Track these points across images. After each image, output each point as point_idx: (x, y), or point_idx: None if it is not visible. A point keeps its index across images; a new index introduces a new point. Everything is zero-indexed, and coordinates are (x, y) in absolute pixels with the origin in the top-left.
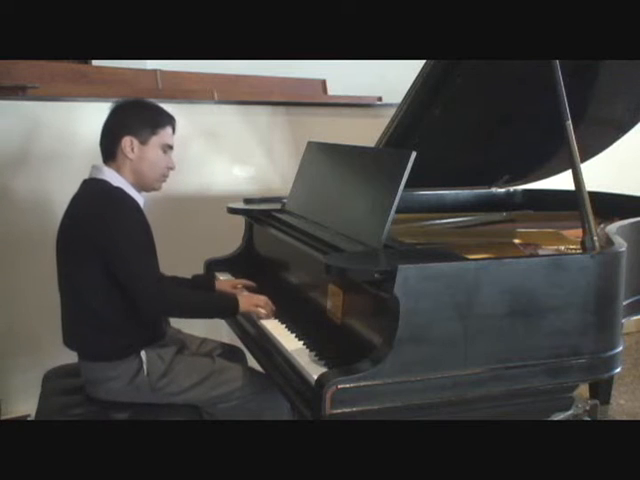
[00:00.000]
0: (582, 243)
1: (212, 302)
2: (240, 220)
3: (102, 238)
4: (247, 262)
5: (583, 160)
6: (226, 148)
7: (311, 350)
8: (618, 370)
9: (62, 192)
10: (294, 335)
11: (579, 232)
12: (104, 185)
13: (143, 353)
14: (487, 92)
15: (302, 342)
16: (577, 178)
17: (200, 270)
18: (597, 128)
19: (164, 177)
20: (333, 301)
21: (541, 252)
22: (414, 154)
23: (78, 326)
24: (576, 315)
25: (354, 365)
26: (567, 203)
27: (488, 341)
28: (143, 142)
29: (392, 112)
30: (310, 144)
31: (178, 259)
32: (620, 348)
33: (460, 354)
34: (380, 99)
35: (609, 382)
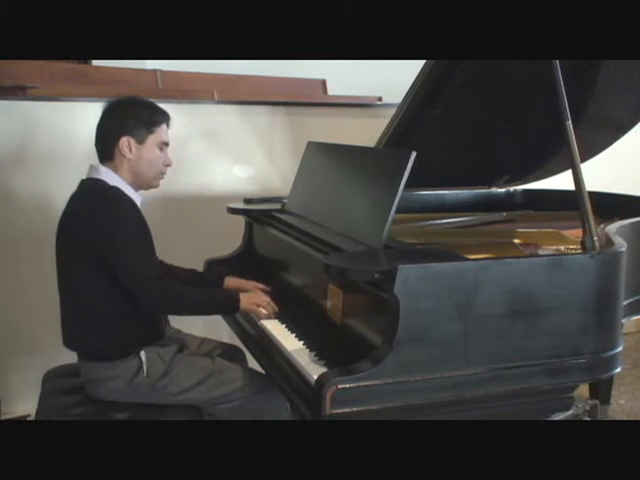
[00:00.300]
0: (582, 243)
1: (213, 298)
2: (240, 220)
3: (100, 237)
4: (247, 262)
5: (583, 160)
6: (226, 148)
7: (311, 350)
8: (618, 370)
9: (62, 192)
10: (294, 335)
11: (579, 232)
12: (101, 184)
13: (143, 353)
14: (487, 92)
15: (302, 342)
16: (577, 178)
17: (200, 270)
18: (597, 128)
19: (162, 174)
20: (333, 301)
21: (541, 252)
22: (414, 154)
23: (78, 326)
24: (576, 315)
25: (354, 365)
26: (567, 203)
27: (488, 341)
28: (140, 142)
29: (392, 112)
30: (310, 144)
31: (178, 259)
32: (620, 348)
33: (460, 354)
34: (380, 99)
35: (609, 382)
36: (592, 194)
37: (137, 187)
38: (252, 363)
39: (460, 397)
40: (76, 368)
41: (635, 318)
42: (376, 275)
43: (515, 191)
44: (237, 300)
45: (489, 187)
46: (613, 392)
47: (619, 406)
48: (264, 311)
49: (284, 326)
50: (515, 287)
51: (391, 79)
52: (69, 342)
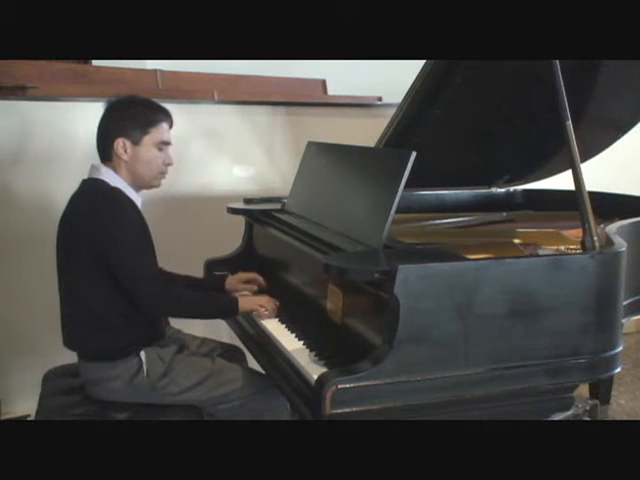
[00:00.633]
0: (582, 243)
1: (212, 302)
2: (240, 220)
3: (100, 238)
4: (247, 262)
5: (583, 160)
6: (226, 148)
7: (311, 350)
8: (618, 370)
9: (61, 192)
10: (294, 335)
11: (579, 232)
12: (102, 185)
13: (143, 353)
14: (487, 92)
15: (302, 342)
16: (577, 178)
17: (200, 270)
18: (597, 128)
19: (162, 174)
20: (333, 301)
21: (541, 252)
22: (414, 154)
23: (78, 326)
24: (576, 315)
25: (354, 365)
26: (567, 203)
27: (488, 341)
28: (135, 142)
29: (392, 112)
30: (310, 144)
31: (178, 259)
32: (620, 348)
33: (460, 354)
34: (380, 99)
35: (609, 382)
36: (592, 194)
37: (138, 187)
38: (252, 363)
39: (460, 397)
40: (76, 368)
41: (635, 318)
42: (376, 275)
43: (515, 191)
44: (236, 302)
45: (489, 187)
46: (613, 392)
47: (619, 406)
48: (263, 310)
49: (284, 326)
50: (515, 287)
51: (391, 79)
52: (69, 342)
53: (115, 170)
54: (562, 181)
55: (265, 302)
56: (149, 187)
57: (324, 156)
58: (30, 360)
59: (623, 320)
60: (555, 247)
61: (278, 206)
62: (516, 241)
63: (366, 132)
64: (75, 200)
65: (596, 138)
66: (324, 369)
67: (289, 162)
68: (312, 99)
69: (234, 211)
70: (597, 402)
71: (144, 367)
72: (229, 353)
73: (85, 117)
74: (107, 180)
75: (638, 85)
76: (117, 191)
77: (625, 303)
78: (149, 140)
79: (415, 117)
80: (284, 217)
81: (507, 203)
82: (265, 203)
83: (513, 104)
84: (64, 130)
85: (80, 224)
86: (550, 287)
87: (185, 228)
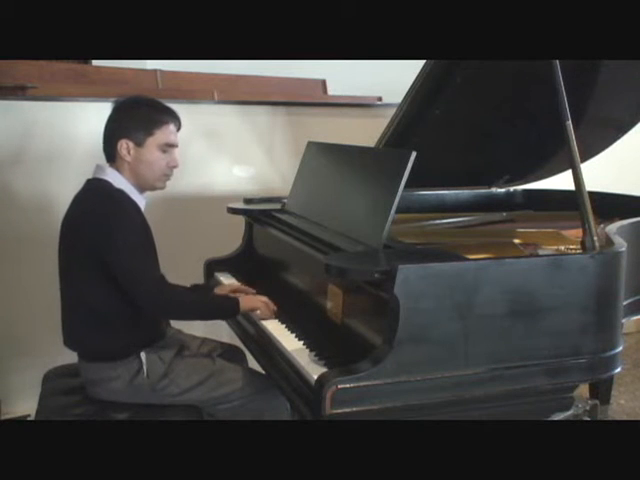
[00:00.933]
0: (582, 243)
1: (213, 302)
2: (240, 220)
3: (101, 239)
4: (247, 262)
5: (583, 160)
6: (226, 148)
7: (311, 350)
8: (618, 370)
9: (62, 192)
10: (294, 335)
11: (579, 232)
12: (106, 186)
13: (143, 354)
14: (487, 92)
15: (302, 342)
16: (577, 178)
17: (200, 270)
18: (597, 128)
19: (165, 176)
20: (333, 301)
21: (541, 252)
22: (414, 154)
23: (78, 326)
24: (576, 315)
25: (354, 365)
26: (567, 203)
27: (488, 341)
28: (139, 144)
29: (392, 112)
30: (310, 144)
31: (178, 259)
32: (620, 348)
33: (460, 354)
34: (380, 99)
35: (609, 382)
36: (592, 194)
37: (141, 189)
38: (252, 363)
39: (460, 397)
40: (76, 368)
41: (635, 318)
42: (376, 275)
43: (515, 191)
44: (237, 302)
45: (489, 187)
46: (613, 392)
47: (619, 406)
48: (259, 312)
49: (284, 326)
50: (515, 287)
51: (391, 79)
52: (70, 342)
53: (119, 171)
54: (562, 181)
55: (264, 304)
56: (153, 189)
57: (324, 156)
58: (30, 360)
59: (623, 320)
60: (555, 247)
61: (278, 206)
62: (516, 241)
63: (366, 132)
64: (78, 200)
65: (596, 138)
66: (324, 369)
67: (289, 162)
68: (312, 99)
69: (234, 211)
70: (597, 402)
71: (144, 368)
72: (229, 353)
73: (85, 117)
74: (111, 181)
75: (638, 85)
76: (120, 193)
77: (625, 303)
78: (152, 142)
79: (415, 117)
80: (284, 217)
81: (507, 203)
82: (265, 203)
83: (513, 104)
84: (64, 130)
85: (82, 225)
86: (550, 287)
87: (185, 228)
